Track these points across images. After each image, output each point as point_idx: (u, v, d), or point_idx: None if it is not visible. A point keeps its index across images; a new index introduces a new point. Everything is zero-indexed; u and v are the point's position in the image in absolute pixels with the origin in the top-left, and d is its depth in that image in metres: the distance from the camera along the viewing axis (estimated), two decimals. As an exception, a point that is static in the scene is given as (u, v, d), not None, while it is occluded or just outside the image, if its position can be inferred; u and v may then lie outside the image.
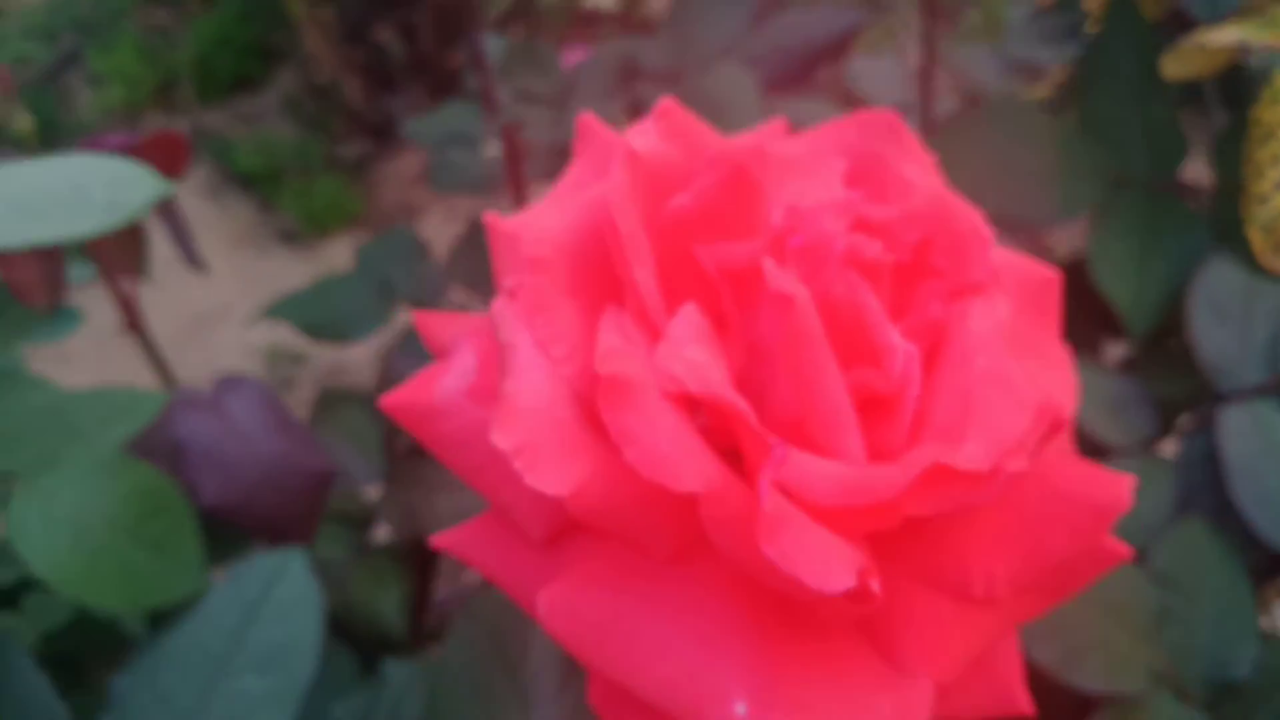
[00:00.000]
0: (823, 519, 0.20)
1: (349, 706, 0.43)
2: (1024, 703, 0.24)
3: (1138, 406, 0.46)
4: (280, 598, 0.35)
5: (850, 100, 0.71)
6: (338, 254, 1.78)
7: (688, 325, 0.21)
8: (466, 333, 0.25)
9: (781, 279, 0.21)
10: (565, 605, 0.22)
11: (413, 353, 0.64)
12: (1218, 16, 0.44)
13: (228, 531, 0.45)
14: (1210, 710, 0.39)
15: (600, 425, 0.21)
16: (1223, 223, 0.47)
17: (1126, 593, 0.39)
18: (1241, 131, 0.46)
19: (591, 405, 0.21)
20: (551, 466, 0.20)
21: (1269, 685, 0.40)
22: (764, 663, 0.21)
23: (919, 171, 0.25)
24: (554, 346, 0.22)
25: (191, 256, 0.54)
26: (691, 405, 0.21)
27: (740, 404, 0.20)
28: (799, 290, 0.21)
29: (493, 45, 0.74)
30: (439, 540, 0.26)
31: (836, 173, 0.25)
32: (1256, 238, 0.44)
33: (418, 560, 0.60)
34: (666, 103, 0.24)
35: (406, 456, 0.63)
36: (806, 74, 0.60)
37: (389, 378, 0.65)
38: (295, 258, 1.81)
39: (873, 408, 0.22)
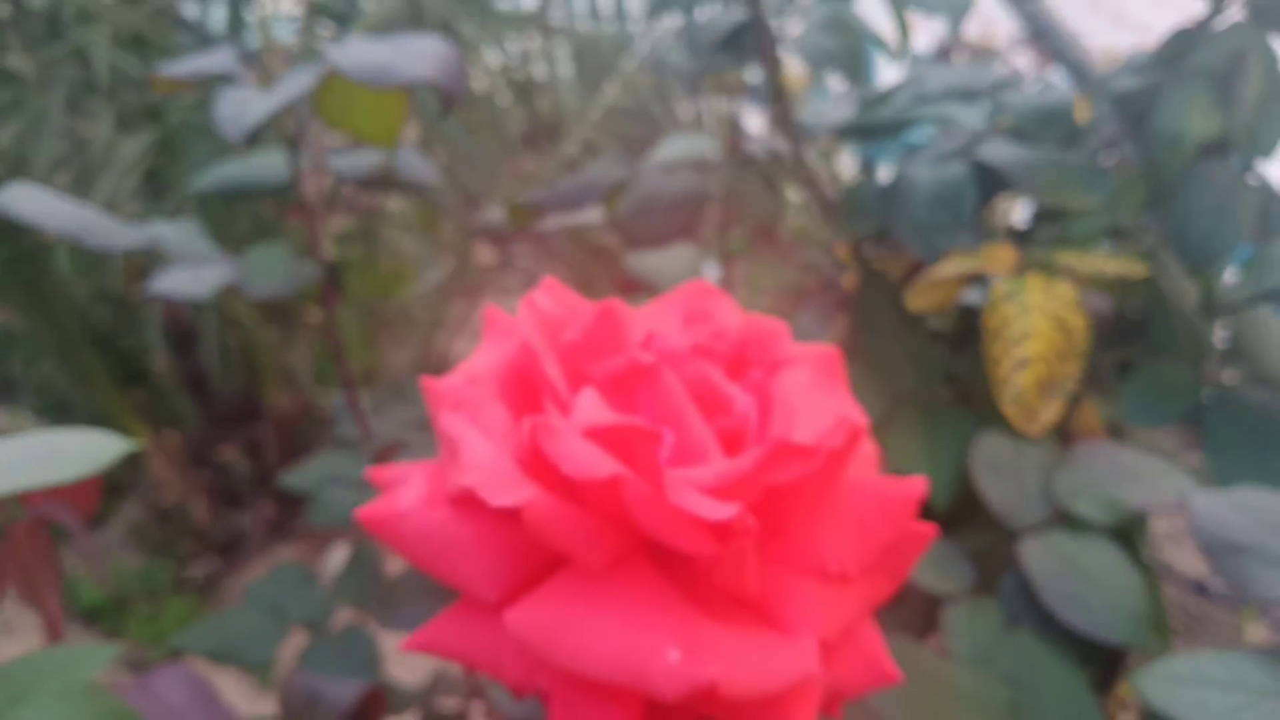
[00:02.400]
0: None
1: None
2: (891, 671, 0.31)
3: (957, 561, 0.55)
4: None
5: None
6: (192, 672, 1.72)
7: (588, 399, 0.30)
8: (414, 468, 0.33)
9: (649, 357, 0.30)
10: (528, 616, 0.28)
11: (314, 666, 0.67)
12: (936, 257, 0.59)
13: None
14: (1078, 786, 0.45)
15: (535, 476, 0.29)
16: (984, 412, 0.60)
17: (982, 690, 0.46)
18: (978, 342, 0.59)
19: (525, 468, 0.29)
20: (506, 490, 0.27)
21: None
22: (686, 626, 0.27)
23: (731, 313, 0.35)
24: (493, 431, 0.30)
25: (92, 556, 0.57)
26: (607, 439, 0.29)
27: (632, 419, 0.28)
28: (662, 364, 0.30)
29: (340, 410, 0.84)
30: (407, 645, 0.32)
31: (676, 319, 0.35)
32: (1010, 411, 0.56)
33: None
34: (549, 279, 0.34)
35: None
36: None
37: (290, 700, 0.67)
38: (145, 686, 1.74)
39: (730, 442, 0.30)
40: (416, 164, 0.73)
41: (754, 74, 1.09)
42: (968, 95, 0.65)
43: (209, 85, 1.63)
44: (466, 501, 0.30)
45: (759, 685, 0.27)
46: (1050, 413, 0.57)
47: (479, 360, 0.32)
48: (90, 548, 0.59)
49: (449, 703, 0.78)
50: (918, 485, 0.31)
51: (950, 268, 0.59)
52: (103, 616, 1.85)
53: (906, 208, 0.60)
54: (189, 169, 1.59)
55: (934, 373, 0.62)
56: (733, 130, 0.75)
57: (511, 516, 0.29)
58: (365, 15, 1.54)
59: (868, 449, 0.35)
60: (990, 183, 0.60)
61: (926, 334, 0.63)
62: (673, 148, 0.76)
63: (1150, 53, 0.62)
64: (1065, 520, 0.53)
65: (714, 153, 0.74)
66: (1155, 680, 0.42)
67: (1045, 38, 0.76)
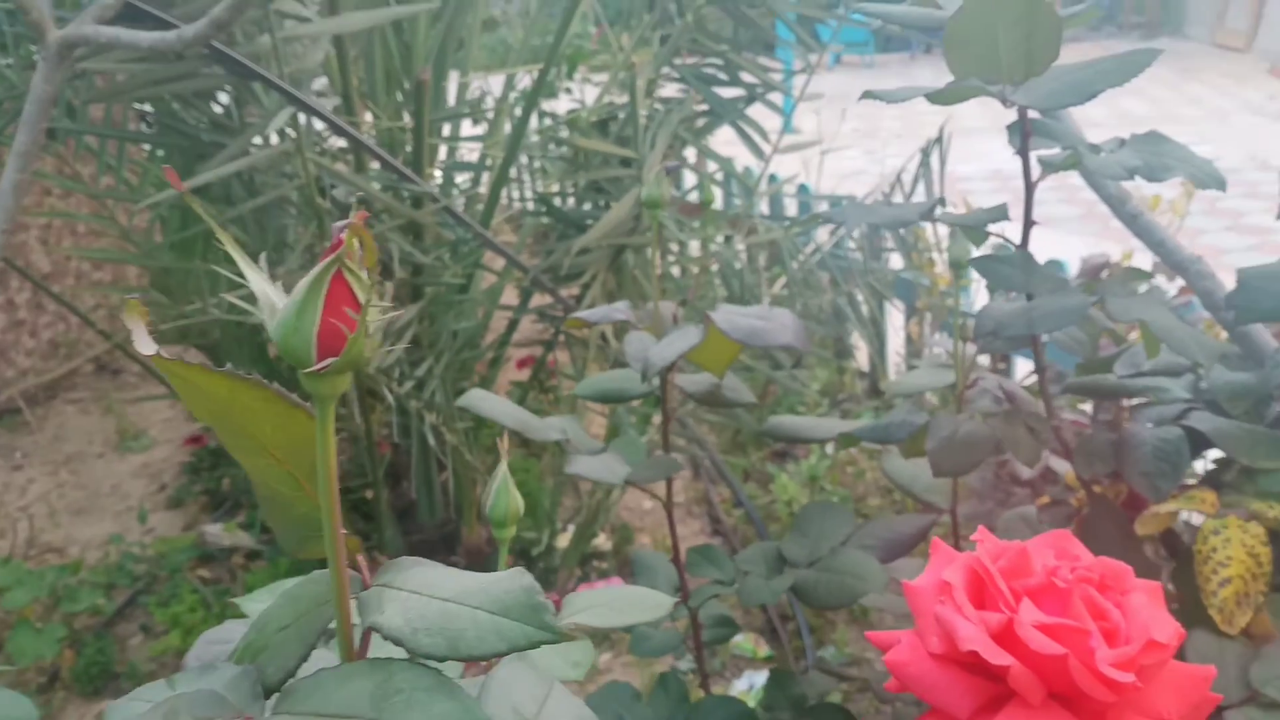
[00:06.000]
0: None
1: None
2: (1198, 783, 0.52)
3: None
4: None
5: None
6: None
7: (1028, 606, 0.53)
8: (901, 635, 0.56)
9: (1064, 583, 0.53)
10: (1002, 726, 0.50)
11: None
12: (1160, 497, 0.81)
13: None
14: None
15: (1001, 645, 0.51)
16: (1193, 613, 0.80)
17: None
18: (1188, 559, 0.80)
19: (995, 640, 0.52)
20: (997, 655, 0.50)
21: None
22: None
23: (1083, 550, 0.58)
24: (970, 617, 0.53)
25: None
26: (1049, 631, 0.51)
27: (1069, 621, 0.51)
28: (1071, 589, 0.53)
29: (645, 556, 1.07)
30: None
31: (1050, 553, 0.58)
32: (1215, 616, 0.77)
33: None
34: (982, 529, 0.57)
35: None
36: (902, 554, 0.95)
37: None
38: None
39: (1109, 636, 0.53)
40: (738, 387, 0.98)
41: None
42: (1172, 372, 0.88)
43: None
44: (945, 657, 0.53)
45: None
46: (1244, 619, 0.77)
47: (943, 573, 0.56)
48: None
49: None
50: (1209, 672, 0.53)
51: (1169, 506, 0.81)
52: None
53: (1135, 458, 0.82)
54: (441, 332, 1.89)
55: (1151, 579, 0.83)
56: (969, 372, 0.98)
57: (974, 668, 0.52)
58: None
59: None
60: (1198, 441, 0.82)
61: (1144, 551, 0.84)
62: (917, 378, 1.00)
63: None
64: (1258, 699, 0.73)
65: (950, 385, 0.98)
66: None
67: (1179, 269, 0.96)
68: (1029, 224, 0.77)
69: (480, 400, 0.90)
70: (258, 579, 2.32)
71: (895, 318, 2.69)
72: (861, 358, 2.84)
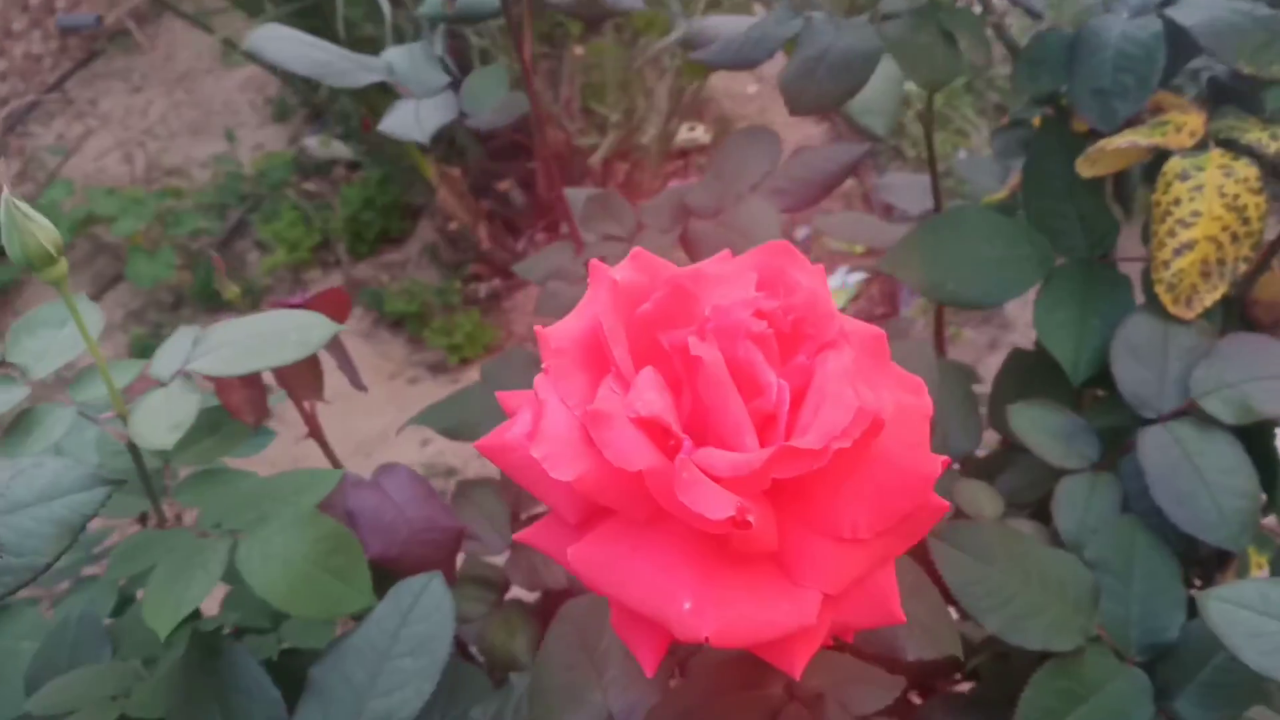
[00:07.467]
0: (725, 484, 0.33)
1: (484, 709, 0.57)
2: (898, 614, 0.37)
3: (1083, 435, 0.57)
4: (425, 604, 0.50)
5: (873, 206, 0.84)
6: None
7: (646, 380, 0.36)
8: (525, 401, 0.40)
9: (700, 347, 0.35)
10: (584, 554, 0.36)
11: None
12: (1114, 128, 0.57)
13: (387, 575, 0.61)
14: (1148, 667, 0.50)
15: (594, 446, 0.35)
16: (1149, 285, 0.59)
17: (1064, 571, 0.50)
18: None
19: (588, 437, 0.36)
20: (564, 465, 0.34)
21: (1200, 646, 0.50)
22: (701, 579, 0.34)
23: (806, 275, 0.39)
24: (570, 400, 0.36)
25: (356, 382, 0.71)
26: (650, 428, 0.35)
27: (669, 418, 0.34)
28: (711, 353, 0.35)
29: (575, 196, 0.91)
30: (519, 537, 0.40)
31: (751, 281, 0.39)
32: (1163, 294, 0.56)
33: (541, 608, 0.74)
34: (638, 250, 0.39)
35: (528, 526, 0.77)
36: (822, 197, 0.74)
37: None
38: (442, 385, 2.03)
39: (766, 422, 0.36)
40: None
41: None
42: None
43: None
44: (555, 444, 0.38)
45: (755, 636, 0.34)
46: (1210, 297, 0.56)
47: (570, 324, 0.39)
48: (348, 359, 0.71)
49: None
50: (936, 464, 0.36)
51: (1124, 139, 0.56)
52: (406, 324, 2.13)
53: (1088, 67, 0.57)
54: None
55: (1106, 239, 0.61)
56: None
57: (588, 461, 0.36)
58: None
59: (922, 408, 0.39)
60: (1181, 47, 0.56)
61: (1103, 196, 0.61)
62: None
63: None
64: (1195, 414, 0.54)
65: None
66: (1219, 601, 0.44)
67: None
68: None
69: (267, 40, 0.72)
70: (353, 191, 2.31)
71: None
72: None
